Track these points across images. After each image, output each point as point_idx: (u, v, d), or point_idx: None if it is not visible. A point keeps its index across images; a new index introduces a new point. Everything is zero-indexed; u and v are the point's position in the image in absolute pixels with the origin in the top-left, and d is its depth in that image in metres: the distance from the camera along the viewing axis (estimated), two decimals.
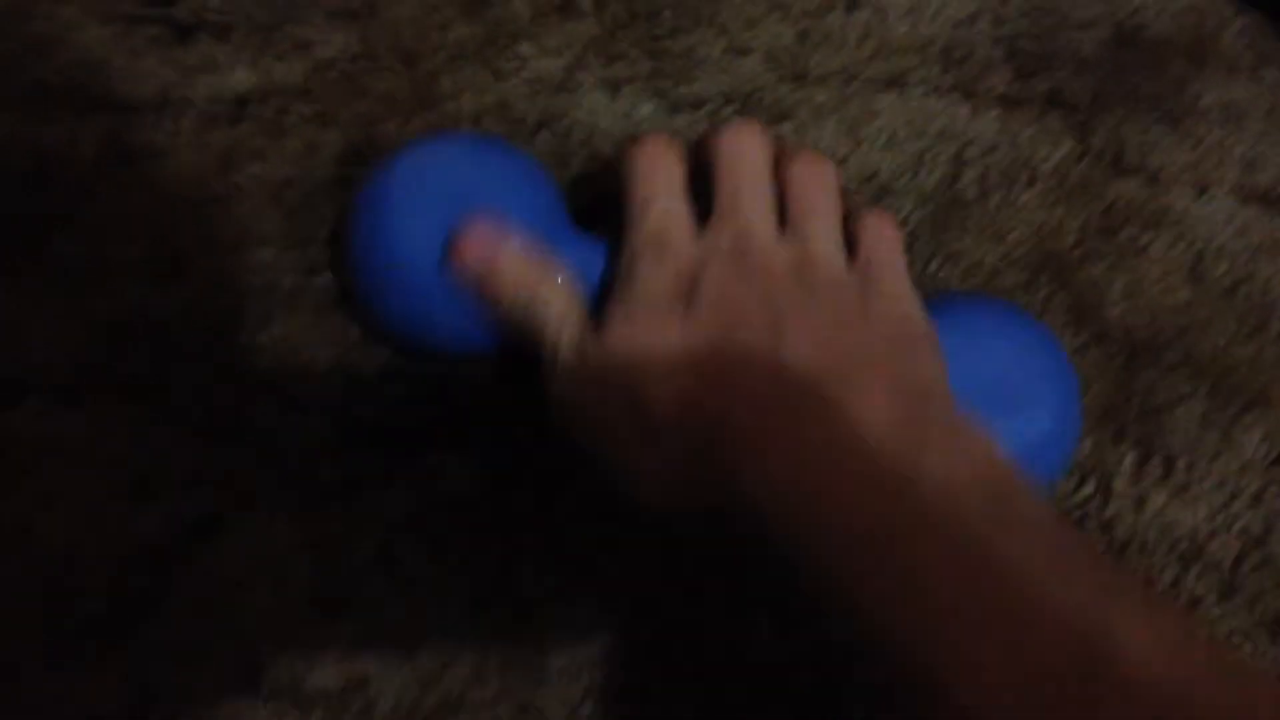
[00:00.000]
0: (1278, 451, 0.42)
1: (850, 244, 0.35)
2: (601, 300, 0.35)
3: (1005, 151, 0.47)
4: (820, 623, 0.37)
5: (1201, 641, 0.26)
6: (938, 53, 0.50)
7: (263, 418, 0.39)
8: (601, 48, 0.48)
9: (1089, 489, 0.41)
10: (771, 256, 0.33)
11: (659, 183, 0.35)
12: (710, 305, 0.31)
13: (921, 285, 0.41)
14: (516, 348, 0.36)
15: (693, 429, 0.30)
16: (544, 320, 0.33)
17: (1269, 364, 0.43)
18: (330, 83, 0.45)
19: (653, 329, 0.31)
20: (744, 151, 0.35)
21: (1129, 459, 0.41)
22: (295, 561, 0.37)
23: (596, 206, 0.41)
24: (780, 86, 0.48)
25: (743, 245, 0.33)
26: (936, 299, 0.38)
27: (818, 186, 0.35)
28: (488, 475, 0.39)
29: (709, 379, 0.30)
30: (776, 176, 0.35)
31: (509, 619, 0.38)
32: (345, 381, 0.40)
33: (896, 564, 0.27)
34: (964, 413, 0.32)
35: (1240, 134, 0.48)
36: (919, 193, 0.46)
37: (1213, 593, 0.40)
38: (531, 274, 0.34)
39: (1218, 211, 0.46)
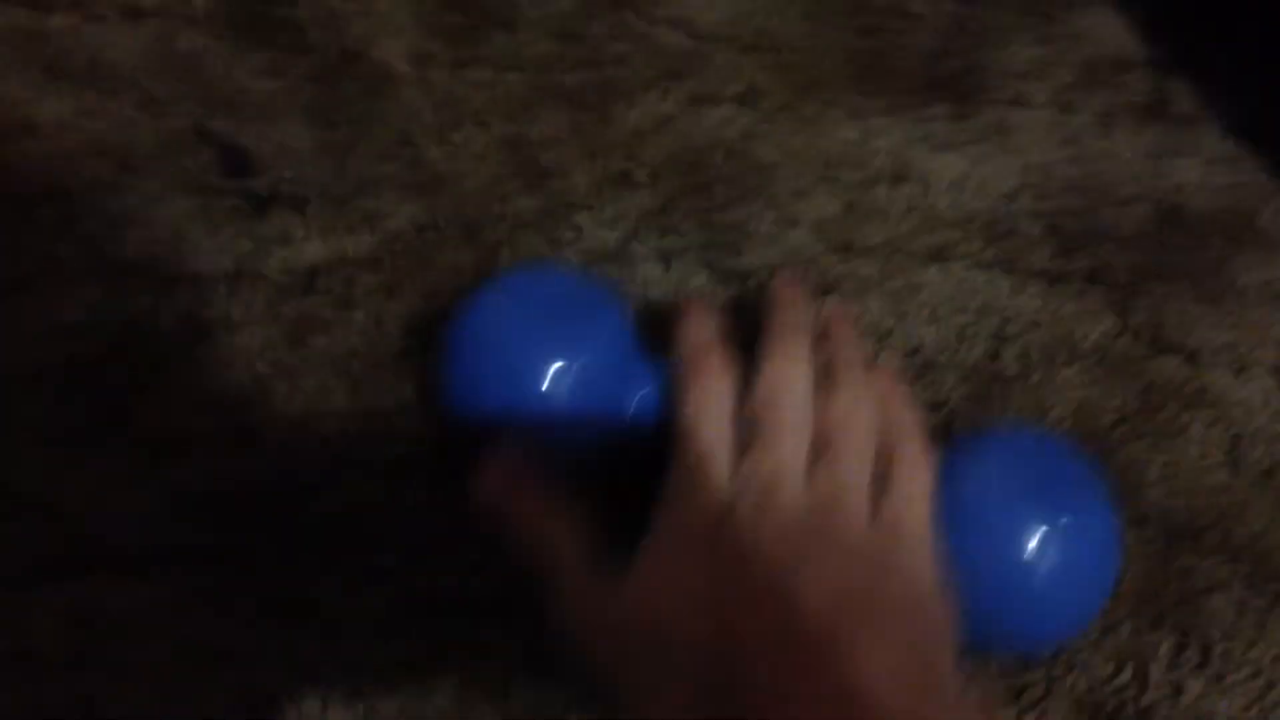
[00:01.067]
0: None
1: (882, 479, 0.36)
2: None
3: (1046, 327, 0.49)
4: None
5: None
6: (980, 227, 0.51)
7: (326, 595, 0.40)
8: (655, 219, 0.50)
9: (1125, 676, 0.41)
10: (799, 499, 0.34)
11: (708, 407, 0.36)
12: (735, 553, 0.32)
13: None
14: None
15: (711, 671, 0.31)
16: (550, 561, 0.35)
17: None
18: (397, 254, 0.48)
19: (679, 575, 0.32)
20: (788, 382, 0.37)
21: (1165, 645, 0.42)
22: None
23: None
24: (827, 258, 0.50)
25: (774, 483, 0.34)
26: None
27: (857, 424, 0.36)
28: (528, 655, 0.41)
29: (729, 625, 0.31)
30: (818, 399, 0.37)
31: None
32: (405, 552, 0.42)
33: None
34: (963, 681, 0.33)
35: (1277, 315, 0.49)
36: (961, 368, 0.48)
37: None
38: (542, 514, 0.36)
39: (1256, 393, 0.47)
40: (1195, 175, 0.52)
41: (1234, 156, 0.53)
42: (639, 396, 0.39)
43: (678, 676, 0.31)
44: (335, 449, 0.43)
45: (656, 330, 0.42)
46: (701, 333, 0.39)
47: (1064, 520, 0.37)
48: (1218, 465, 0.45)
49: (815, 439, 0.36)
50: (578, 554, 0.34)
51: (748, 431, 0.35)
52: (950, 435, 0.42)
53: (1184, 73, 0.56)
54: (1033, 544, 0.36)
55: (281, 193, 0.48)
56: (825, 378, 0.38)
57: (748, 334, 0.40)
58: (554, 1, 0.56)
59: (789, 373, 0.37)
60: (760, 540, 0.33)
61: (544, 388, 0.38)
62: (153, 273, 0.46)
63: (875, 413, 0.37)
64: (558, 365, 0.38)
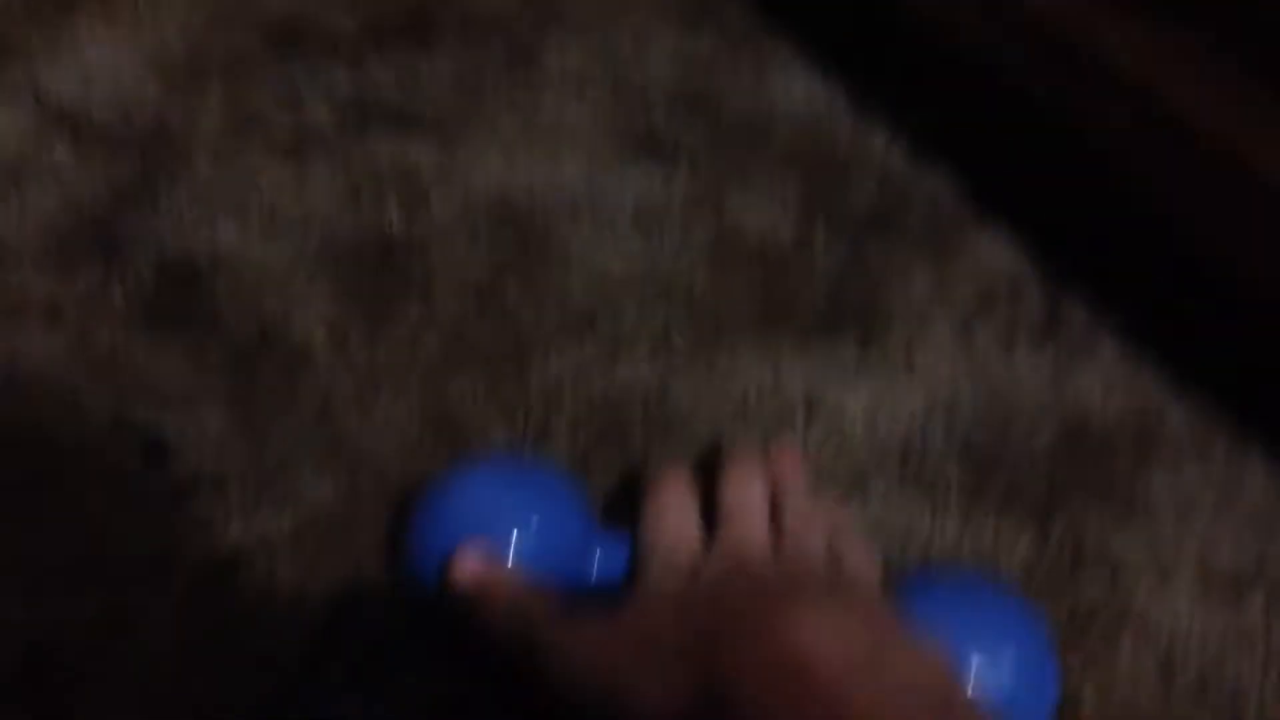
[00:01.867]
0: None
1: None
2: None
3: (969, 550, 0.49)
4: None
5: None
6: (895, 456, 0.52)
7: None
8: (577, 470, 0.51)
9: None
10: (766, 565, 0.38)
11: (671, 502, 0.41)
12: (709, 599, 0.35)
13: None
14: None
15: (697, 706, 0.32)
16: (527, 623, 0.38)
17: None
18: (319, 532, 0.48)
19: (662, 614, 0.36)
20: (747, 489, 0.42)
21: None
22: None
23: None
24: None
25: (742, 552, 0.38)
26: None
27: (810, 523, 0.41)
28: None
29: (710, 662, 0.33)
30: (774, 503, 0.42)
31: None
32: None
33: None
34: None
35: (1193, 520, 0.50)
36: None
37: None
38: (515, 586, 0.39)
39: (1181, 603, 0.47)
40: (1097, 389, 0.54)
41: (1132, 365, 0.55)
42: (595, 568, 0.43)
43: (668, 690, 0.33)
44: None
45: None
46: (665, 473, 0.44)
47: (1002, 655, 0.39)
48: (1151, 684, 0.45)
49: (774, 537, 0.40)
50: (553, 611, 0.38)
51: (716, 522, 0.40)
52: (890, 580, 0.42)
53: (1077, 285, 0.59)
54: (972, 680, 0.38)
55: (201, 476, 0.48)
56: (777, 497, 0.42)
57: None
58: (468, 264, 0.58)
59: (746, 485, 0.42)
60: (734, 592, 0.36)
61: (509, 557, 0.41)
62: (70, 573, 0.45)
63: (827, 521, 0.42)
64: (517, 534, 0.42)
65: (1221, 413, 0.53)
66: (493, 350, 0.55)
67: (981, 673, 0.38)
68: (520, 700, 0.40)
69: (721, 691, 0.32)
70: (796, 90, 0.68)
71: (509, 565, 0.41)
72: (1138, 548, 0.49)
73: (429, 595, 0.41)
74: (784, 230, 0.61)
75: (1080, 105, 0.53)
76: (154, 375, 0.52)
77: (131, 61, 0.66)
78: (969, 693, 0.37)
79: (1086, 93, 0.52)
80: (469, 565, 0.40)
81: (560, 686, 0.35)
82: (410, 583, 0.43)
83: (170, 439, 0.50)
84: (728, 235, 0.60)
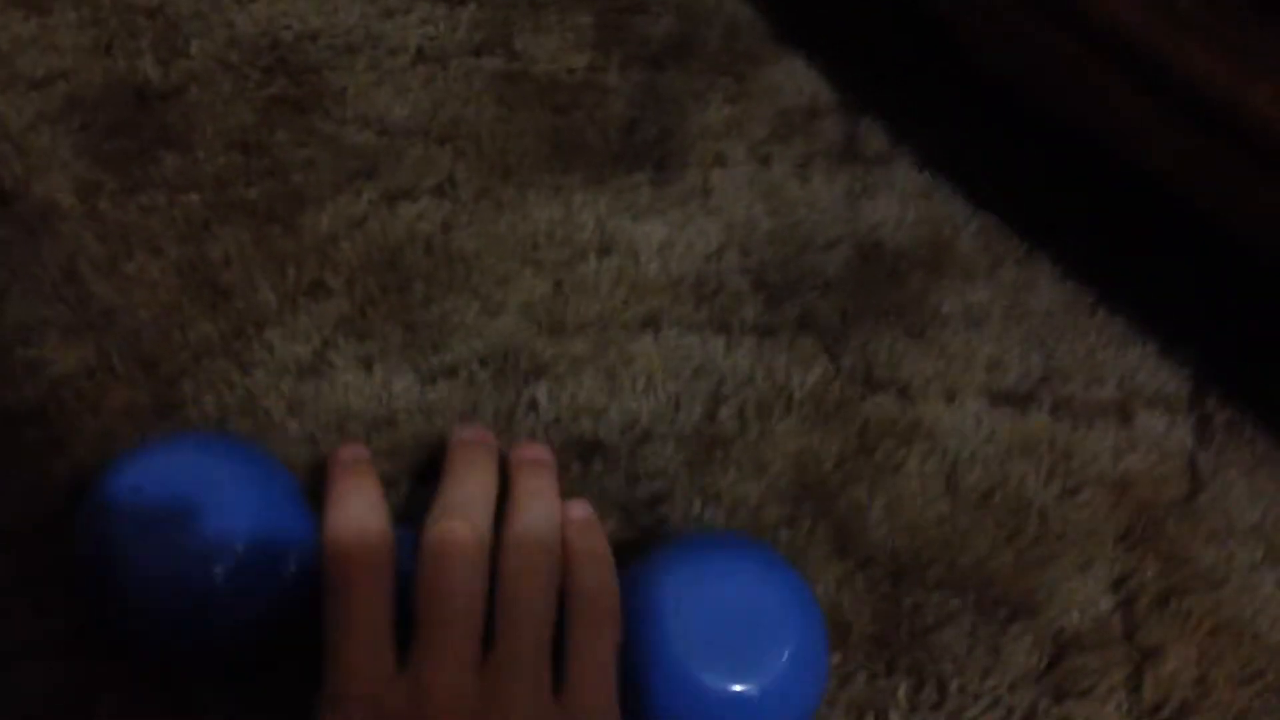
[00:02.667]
0: (1048, 659, 0.41)
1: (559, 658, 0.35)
2: None
3: (761, 382, 0.48)
4: None
5: None
6: (689, 290, 0.51)
7: None
8: (352, 326, 0.48)
9: None
10: (466, 700, 0.33)
11: (355, 620, 0.34)
12: None
13: (686, 529, 0.43)
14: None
15: None
16: None
17: (1029, 568, 0.43)
18: (65, 402, 0.44)
19: None
20: (447, 568, 0.35)
21: (903, 689, 0.41)
22: None
23: None
24: (538, 341, 0.48)
25: (432, 698, 0.33)
26: (676, 547, 0.39)
27: (526, 601, 0.35)
28: None
29: None
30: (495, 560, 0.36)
31: None
32: None
33: None
34: None
35: (982, 336, 0.49)
36: (679, 436, 0.46)
37: None
38: None
39: (967, 417, 0.47)
40: (892, 212, 0.53)
41: (928, 188, 0.54)
42: (298, 556, 0.37)
43: None
44: None
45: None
46: (351, 516, 0.37)
47: (780, 635, 0.36)
48: (937, 496, 0.45)
49: (483, 620, 0.34)
50: None
51: (411, 628, 0.34)
52: (652, 557, 0.40)
53: (874, 113, 0.57)
54: (736, 683, 0.35)
55: None
56: (504, 531, 0.37)
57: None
58: (232, 114, 0.54)
59: (450, 560, 0.35)
60: None
61: (179, 558, 0.35)
62: None
63: (552, 576, 0.36)
64: (191, 533, 0.35)
65: (1012, 230, 0.53)
66: (260, 206, 0.51)
67: (747, 656, 0.36)
68: None
69: None
70: None
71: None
72: (927, 368, 0.48)
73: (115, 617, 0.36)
74: (576, 65, 0.58)
75: None
76: None
77: None
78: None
79: None
80: None
81: None
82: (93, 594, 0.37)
83: None
84: (516, 73, 0.57)
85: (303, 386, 0.46)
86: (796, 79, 0.58)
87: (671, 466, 0.45)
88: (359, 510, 0.37)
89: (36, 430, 0.43)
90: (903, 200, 0.54)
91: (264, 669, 0.38)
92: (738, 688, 0.35)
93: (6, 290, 0.46)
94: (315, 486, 0.41)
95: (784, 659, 0.36)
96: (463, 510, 0.37)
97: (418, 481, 0.44)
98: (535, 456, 0.42)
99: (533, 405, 0.46)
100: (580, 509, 0.40)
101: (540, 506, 0.39)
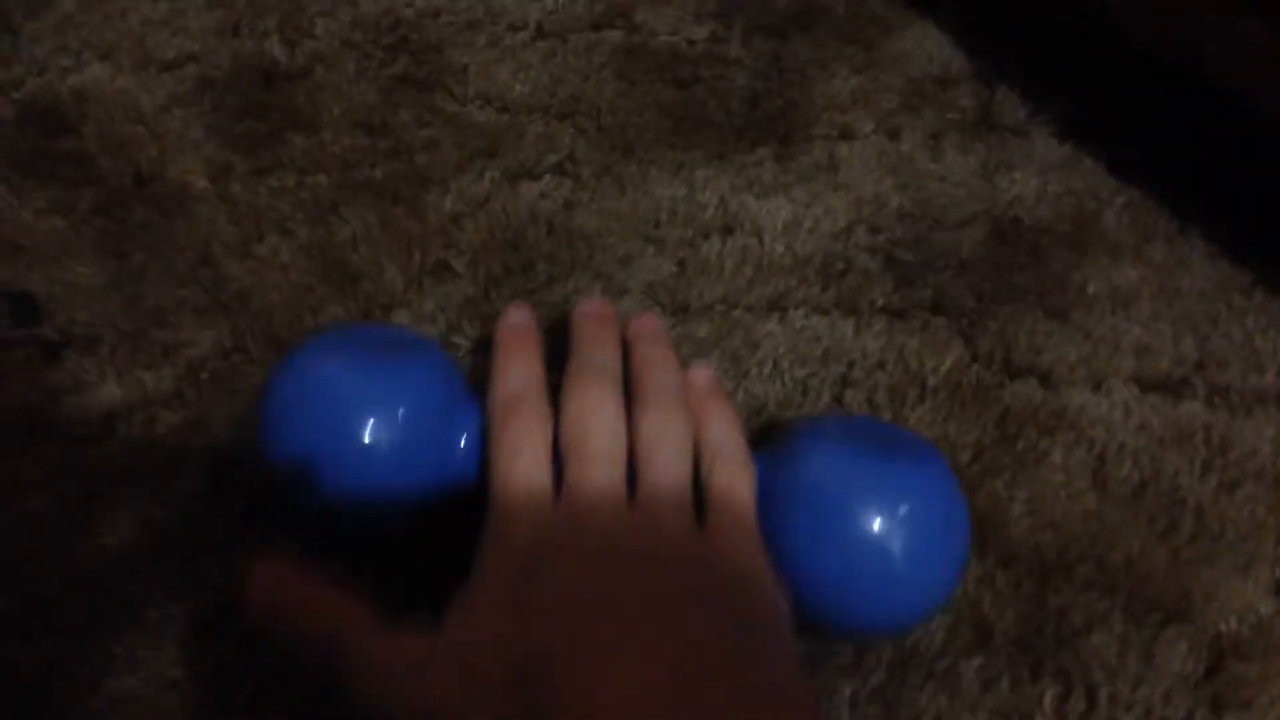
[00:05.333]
0: (1205, 667, 0.39)
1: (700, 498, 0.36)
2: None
3: (893, 366, 0.46)
4: None
5: None
6: (817, 270, 0.49)
7: None
8: (477, 308, 0.48)
9: None
10: (614, 525, 0.33)
11: (520, 451, 0.36)
12: (545, 591, 0.31)
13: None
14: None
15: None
16: (340, 636, 0.32)
17: (1184, 568, 0.41)
18: (202, 385, 0.45)
19: (490, 619, 0.31)
20: (593, 415, 0.36)
21: (1049, 696, 0.39)
22: None
23: None
24: None
25: (587, 514, 0.34)
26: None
27: (670, 444, 0.36)
28: None
29: (535, 666, 0.29)
30: (630, 423, 0.37)
31: None
32: None
33: None
34: (800, 691, 0.31)
35: (1130, 320, 0.47)
36: None
37: None
38: (320, 596, 0.34)
39: (1116, 406, 0.45)
40: (1031, 186, 0.51)
41: (1069, 161, 0.52)
42: (465, 439, 0.38)
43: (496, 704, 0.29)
44: (136, 605, 0.39)
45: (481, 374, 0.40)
46: (514, 379, 0.38)
47: (904, 504, 0.35)
48: (1084, 490, 0.42)
49: (632, 463, 0.35)
50: (369, 622, 0.32)
51: (561, 470, 0.35)
52: (782, 428, 0.40)
53: (1009, 82, 0.55)
54: (875, 527, 0.35)
55: (73, 335, 0.45)
56: (636, 400, 0.37)
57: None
58: (357, 94, 0.54)
59: (592, 406, 0.36)
60: (571, 574, 0.31)
61: (366, 439, 0.36)
62: None
63: (687, 429, 0.37)
64: (376, 416, 0.37)
65: (1161, 205, 0.50)
66: (386, 187, 0.51)
67: (885, 528, 0.35)
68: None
69: None
70: None
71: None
72: (1071, 353, 0.46)
73: (286, 493, 0.37)
74: (697, 36, 0.56)
75: None
76: (21, 229, 0.48)
77: None
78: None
79: None
80: (261, 586, 0.34)
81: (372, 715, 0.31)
82: (268, 475, 0.38)
83: (37, 294, 0.46)
84: (636, 46, 0.56)
85: None
86: (926, 46, 0.56)
87: None
88: (521, 363, 0.39)
89: (173, 413, 0.44)
90: (1042, 173, 0.51)
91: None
92: (877, 537, 0.35)
93: (143, 272, 0.47)
94: None
95: (922, 516, 0.35)
96: (598, 368, 0.38)
97: None
98: (651, 329, 0.42)
99: None
100: (703, 372, 0.41)
101: (666, 370, 0.39)
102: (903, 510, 0.35)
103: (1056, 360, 0.45)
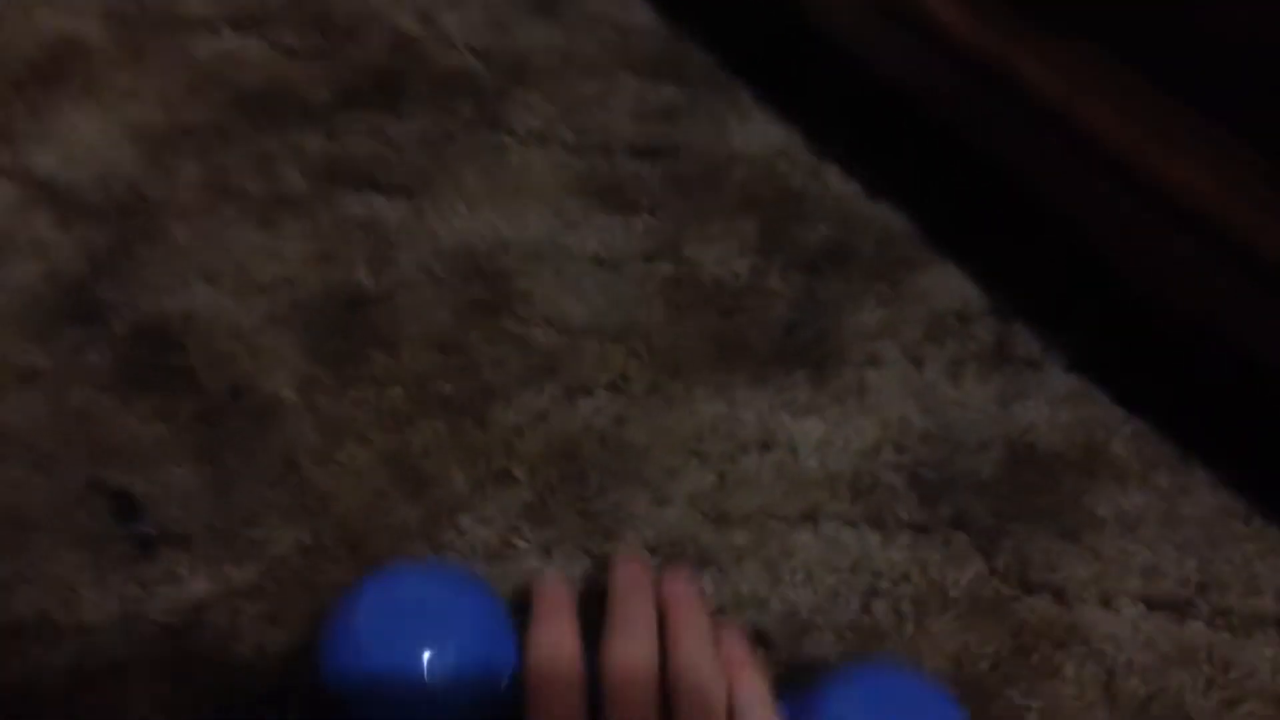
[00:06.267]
0: None
1: None
2: None
3: (917, 578, 0.50)
4: None
5: None
6: (847, 485, 0.54)
7: None
8: (534, 513, 0.52)
9: None
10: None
11: (555, 671, 0.40)
12: None
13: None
14: None
15: None
16: None
17: None
18: (282, 580, 0.49)
19: None
20: (630, 665, 0.40)
21: None
22: None
23: None
24: (703, 531, 0.52)
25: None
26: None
27: (699, 686, 0.40)
28: None
29: None
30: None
31: None
32: None
33: None
34: None
35: (1138, 541, 0.51)
36: (836, 627, 0.49)
37: None
38: None
39: (1124, 623, 0.48)
40: (1043, 414, 0.55)
41: (1080, 391, 0.57)
42: (510, 674, 0.42)
43: None
44: None
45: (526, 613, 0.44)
46: (548, 646, 0.42)
47: None
48: (1095, 703, 0.46)
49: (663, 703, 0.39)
50: None
51: (601, 681, 0.39)
52: (816, 675, 0.43)
53: (1025, 316, 0.60)
54: None
55: (168, 532, 0.50)
56: (670, 661, 0.41)
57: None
58: (433, 317, 0.60)
59: (630, 656, 0.40)
60: None
61: (422, 669, 0.41)
62: (40, 630, 0.47)
63: (718, 671, 0.40)
64: (430, 652, 0.41)
65: (1166, 435, 0.54)
66: (455, 399, 0.56)
67: None
68: None
69: None
70: (754, 135, 0.70)
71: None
72: (1082, 571, 0.50)
73: (343, 712, 0.41)
74: (740, 270, 0.63)
75: (1005, 134, 0.55)
76: (125, 434, 0.54)
77: (110, 133, 0.68)
78: None
79: (1012, 120, 0.54)
80: None
81: None
82: (328, 698, 0.42)
83: (138, 494, 0.51)
84: (685, 277, 0.62)
85: (490, 569, 0.50)
86: (948, 283, 0.62)
87: (831, 658, 0.48)
88: (554, 636, 0.42)
89: (256, 605, 0.48)
90: (1054, 403, 0.56)
91: None
92: None
93: (235, 476, 0.52)
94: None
95: None
96: (633, 630, 0.42)
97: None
98: (684, 590, 0.45)
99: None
100: (733, 635, 0.44)
101: (698, 635, 0.42)
102: None
103: (1069, 578, 0.49)
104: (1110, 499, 0.51)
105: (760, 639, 0.48)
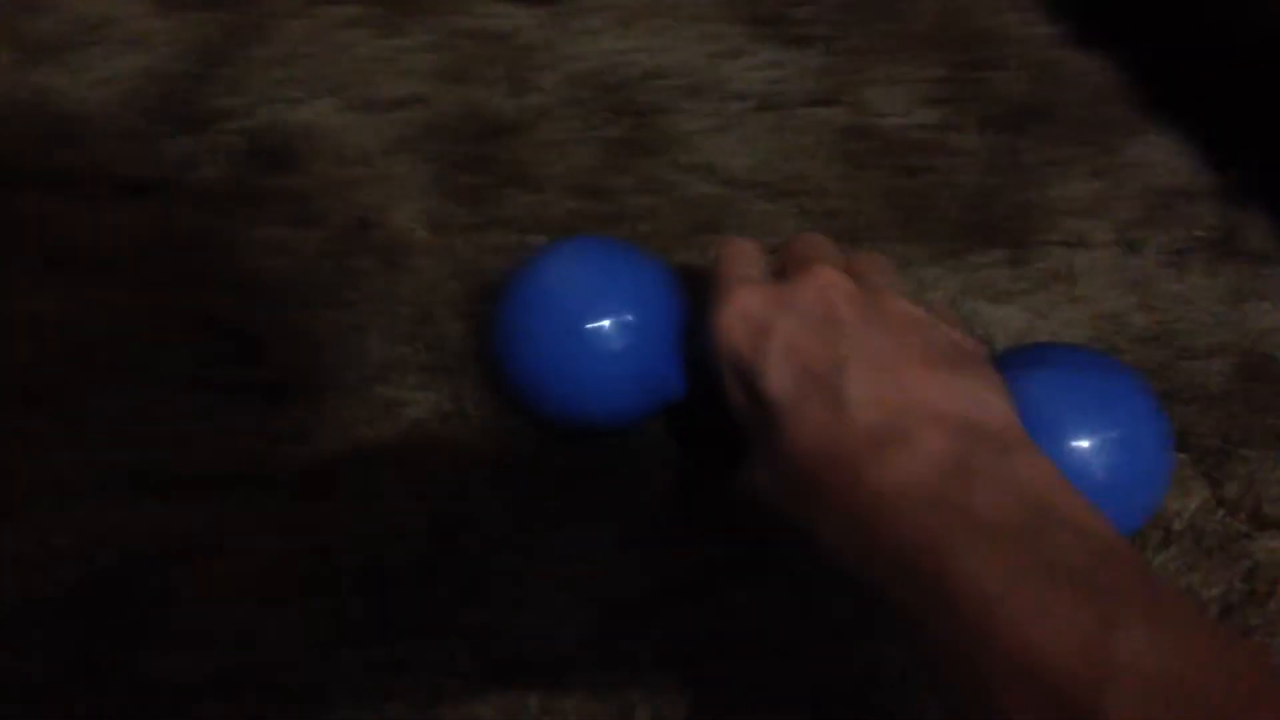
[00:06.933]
0: None
1: None
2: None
3: None
4: None
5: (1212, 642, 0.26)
6: None
7: None
8: None
9: None
10: (841, 292, 0.36)
11: (740, 260, 0.39)
12: (783, 352, 0.34)
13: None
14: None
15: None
16: None
17: None
18: (421, 447, 0.44)
19: (749, 310, 0.36)
20: (812, 242, 0.39)
21: None
22: None
23: None
24: None
25: (826, 279, 0.36)
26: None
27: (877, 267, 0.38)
28: None
29: (791, 412, 0.33)
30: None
31: None
32: None
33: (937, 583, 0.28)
34: (1016, 433, 0.32)
35: None
36: None
37: None
38: None
39: None
40: None
41: None
42: (685, 358, 0.41)
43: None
44: (351, 682, 0.38)
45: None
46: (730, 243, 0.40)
47: (1115, 425, 0.37)
48: None
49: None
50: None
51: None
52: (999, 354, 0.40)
53: (1262, 200, 0.52)
54: (1086, 446, 0.37)
55: (294, 383, 0.45)
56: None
57: None
58: (580, 154, 0.53)
59: (810, 241, 0.39)
60: (807, 344, 0.34)
61: (595, 341, 0.40)
62: (156, 482, 0.42)
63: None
64: (608, 320, 0.40)
65: None
66: None
67: (1089, 452, 0.36)
68: None
69: None
70: None
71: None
72: None
73: (520, 391, 0.41)
74: (928, 122, 0.54)
75: None
76: (243, 267, 0.47)
77: None
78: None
79: None
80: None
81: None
82: (502, 376, 0.42)
83: (261, 336, 0.45)
84: (863, 128, 0.54)
85: None
86: (1170, 156, 0.54)
87: None
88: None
89: (394, 473, 0.43)
90: None
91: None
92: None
93: (367, 327, 0.46)
94: None
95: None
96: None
97: None
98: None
99: None
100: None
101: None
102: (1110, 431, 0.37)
103: None
104: None
105: None
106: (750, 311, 0.36)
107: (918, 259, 0.50)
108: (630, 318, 0.40)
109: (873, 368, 0.33)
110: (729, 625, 0.40)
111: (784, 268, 0.38)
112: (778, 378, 0.34)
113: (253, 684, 0.38)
